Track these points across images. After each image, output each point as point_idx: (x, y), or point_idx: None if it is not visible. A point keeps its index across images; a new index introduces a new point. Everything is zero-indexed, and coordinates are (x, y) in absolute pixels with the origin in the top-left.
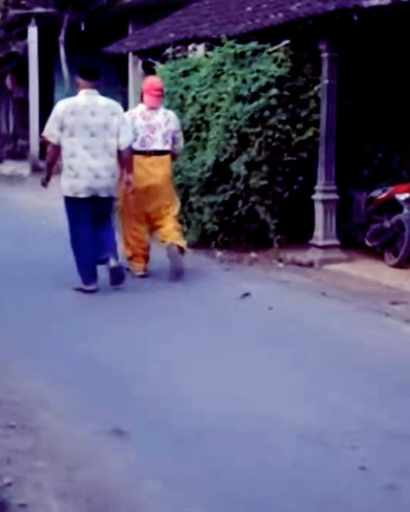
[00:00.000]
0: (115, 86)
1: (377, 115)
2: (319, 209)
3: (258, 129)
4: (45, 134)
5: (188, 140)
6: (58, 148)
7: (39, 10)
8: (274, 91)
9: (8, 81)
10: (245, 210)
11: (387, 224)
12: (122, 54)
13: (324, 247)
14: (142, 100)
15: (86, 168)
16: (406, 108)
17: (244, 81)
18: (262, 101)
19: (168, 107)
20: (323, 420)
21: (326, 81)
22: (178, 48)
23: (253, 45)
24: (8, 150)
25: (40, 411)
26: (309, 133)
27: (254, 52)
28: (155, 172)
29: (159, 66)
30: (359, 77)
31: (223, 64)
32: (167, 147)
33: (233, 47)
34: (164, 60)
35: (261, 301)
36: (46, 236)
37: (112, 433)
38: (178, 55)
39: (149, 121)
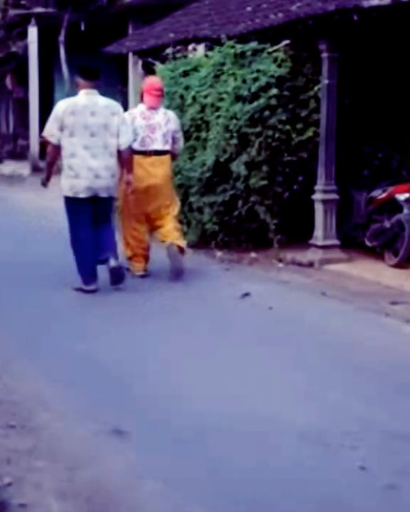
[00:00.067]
0: (115, 86)
1: (377, 115)
2: (319, 209)
3: (258, 129)
4: (45, 134)
5: (188, 140)
6: (58, 148)
7: (39, 10)
8: (274, 91)
9: (8, 81)
10: (245, 210)
11: (387, 224)
12: (122, 54)
13: (324, 247)
14: (141, 100)
15: (86, 168)
16: (406, 108)
17: (244, 81)
18: (262, 101)
19: (168, 107)
20: (323, 420)
21: (326, 81)
22: (178, 48)
23: (253, 45)
24: (8, 150)
25: (40, 411)
26: (310, 133)
27: (254, 52)
28: (155, 172)
29: (159, 66)
30: (359, 77)
31: (223, 64)
32: (167, 147)
33: (233, 47)
34: (164, 60)
35: (261, 301)
36: (46, 236)
37: (112, 433)
38: (178, 55)
39: (149, 121)
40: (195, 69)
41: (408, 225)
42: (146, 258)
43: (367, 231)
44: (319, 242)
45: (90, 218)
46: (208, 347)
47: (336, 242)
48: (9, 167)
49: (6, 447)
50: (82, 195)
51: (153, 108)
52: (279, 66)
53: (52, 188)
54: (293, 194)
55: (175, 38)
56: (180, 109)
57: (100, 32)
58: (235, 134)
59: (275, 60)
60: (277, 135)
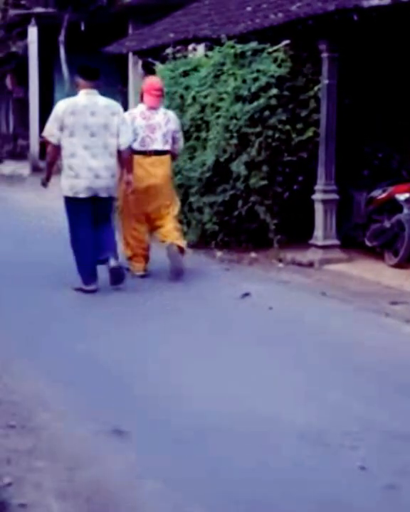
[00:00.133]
0: (115, 86)
1: (377, 115)
2: (319, 209)
3: (258, 129)
4: (45, 134)
5: (188, 140)
6: (58, 148)
7: (39, 10)
8: (274, 91)
9: (8, 81)
10: (245, 210)
11: (387, 224)
12: (122, 54)
13: (324, 247)
14: (142, 100)
15: (86, 168)
16: (406, 108)
17: (244, 81)
18: (262, 101)
19: (168, 107)
20: (323, 420)
21: (326, 81)
22: (178, 48)
23: (253, 45)
24: (8, 150)
25: (40, 411)
26: (310, 133)
27: (254, 52)
28: (155, 172)
29: (159, 66)
30: (359, 77)
31: (223, 64)
32: (167, 147)
33: (233, 47)
34: (164, 60)
35: (261, 301)
36: (46, 236)
37: (112, 433)
38: (178, 55)
39: (149, 121)
40: (195, 69)
41: (408, 225)
42: (146, 258)
43: (367, 231)
44: (319, 242)
45: (90, 218)
46: (208, 347)
47: (336, 242)
48: (9, 167)
49: (6, 447)
50: (82, 195)
51: (153, 108)
52: (279, 66)
53: (52, 188)
54: (293, 194)
55: (175, 38)
56: (180, 109)
57: (100, 32)
58: (235, 134)
59: (275, 60)
60: (277, 135)
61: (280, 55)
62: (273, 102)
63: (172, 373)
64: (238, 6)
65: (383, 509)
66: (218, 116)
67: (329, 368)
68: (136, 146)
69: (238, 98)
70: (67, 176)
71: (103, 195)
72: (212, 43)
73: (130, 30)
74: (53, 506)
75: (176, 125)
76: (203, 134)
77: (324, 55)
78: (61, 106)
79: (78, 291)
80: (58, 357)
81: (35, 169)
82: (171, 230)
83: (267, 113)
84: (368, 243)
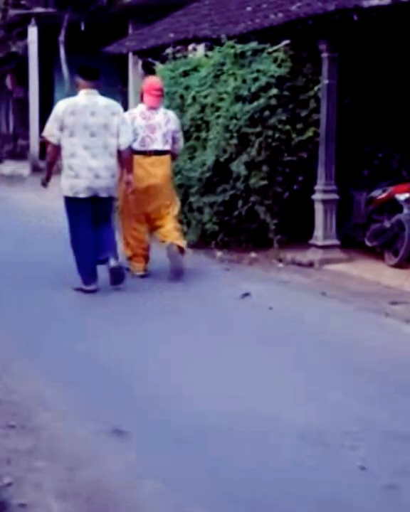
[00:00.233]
0: (115, 86)
1: (377, 115)
2: (319, 209)
3: (258, 129)
4: (45, 133)
5: (188, 140)
6: (57, 148)
7: (39, 10)
8: (274, 91)
9: (8, 81)
10: (245, 210)
11: (387, 224)
12: (122, 54)
13: (324, 247)
14: (141, 100)
15: (86, 168)
16: (406, 108)
17: (244, 81)
18: (262, 101)
19: (168, 107)
20: (323, 420)
21: (326, 81)
22: (178, 48)
23: (253, 45)
24: (8, 150)
25: (40, 411)
26: (310, 133)
27: (254, 52)
28: (155, 172)
29: (159, 66)
30: (359, 77)
31: (223, 64)
32: (167, 147)
33: (233, 47)
34: (164, 60)
35: (261, 301)
36: (46, 236)
37: (112, 433)
38: (178, 55)
39: (149, 121)
40: (195, 69)
41: (408, 225)
42: (147, 258)
43: (367, 231)
44: (319, 242)
45: (90, 218)
46: (208, 347)
47: (336, 242)
48: (9, 167)
49: (6, 447)
50: (82, 195)
51: (153, 108)
52: (279, 66)
53: (52, 188)
54: (293, 194)
55: (175, 38)
56: (180, 109)
57: (100, 32)
58: (235, 134)
59: (275, 60)
60: (277, 135)
61: (280, 55)
62: (273, 102)
63: (172, 373)
64: (238, 6)
65: (383, 509)
66: (218, 116)
67: (329, 368)
68: (136, 146)
69: (238, 98)
70: (67, 175)
71: (103, 195)
72: (212, 43)
73: (130, 30)
74: (53, 506)
75: (176, 125)
76: (203, 134)
77: (324, 55)
78: (61, 106)
79: (78, 291)
80: (58, 357)
81: (35, 169)
82: (171, 230)
83: (267, 113)
84: (368, 243)
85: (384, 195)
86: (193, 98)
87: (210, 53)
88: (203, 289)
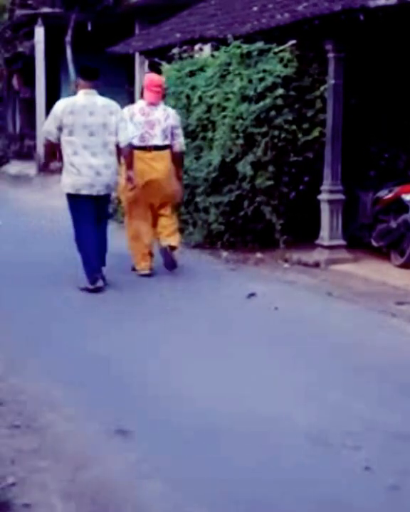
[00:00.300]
0: (122, 86)
1: (383, 115)
2: (325, 209)
3: (264, 129)
4: (43, 132)
5: (194, 140)
6: (55, 145)
7: (46, 10)
8: (280, 91)
9: (15, 81)
10: (251, 210)
11: (393, 224)
12: (129, 54)
13: (330, 248)
14: (142, 96)
15: (87, 166)
16: None
17: (250, 81)
18: (268, 101)
19: (174, 107)
20: (326, 420)
21: (332, 81)
22: (184, 47)
23: (260, 45)
24: (14, 150)
25: (45, 411)
26: (316, 133)
27: (260, 52)
28: (156, 166)
29: (165, 66)
30: (365, 77)
31: (229, 64)
32: (167, 142)
33: (239, 47)
34: (170, 60)
35: (267, 301)
36: (51, 236)
37: (114, 433)
38: (184, 55)
39: (149, 118)
40: (201, 69)
41: None
42: (151, 255)
43: (373, 231)
44: (325, 243)
45: (92, 215)
46: (211, 347)
47: (342, 242)
48: (16, 167)
49: (10, 447)
50: (84, 192)
51: (153, 104)
52: (285, 66)
53: (57, 187)
54: (299, 194)
55: (181, 38)
56: (186, 109)
57: (106, 32)
58: (241, 134)
59: (282, 60)
60: (283, 135)
61: (286, 55)
62: (279, 102)
63: (173, 373)
64: (245, 6)
65: (386, 510)
66: (224, 116)
67: (333, 368)
68: (135, 141)
69: (244, 98)
70: (69, 173)
71: (103, 192)
72: (218, 43)
73: (137, 30)
74: (56, 506)
75: (176, 121)
76: (210, 134)
77: (331, 55)
78: (60, 105)
79: (84, 291)
80: (59, 357)
81: (42, 169)
82: (166, 226)
83: (273, 113)
84: (374, 243)
85: (390, 195)
86: (200, 98)
87: (216, 53)
88: (208, 288)
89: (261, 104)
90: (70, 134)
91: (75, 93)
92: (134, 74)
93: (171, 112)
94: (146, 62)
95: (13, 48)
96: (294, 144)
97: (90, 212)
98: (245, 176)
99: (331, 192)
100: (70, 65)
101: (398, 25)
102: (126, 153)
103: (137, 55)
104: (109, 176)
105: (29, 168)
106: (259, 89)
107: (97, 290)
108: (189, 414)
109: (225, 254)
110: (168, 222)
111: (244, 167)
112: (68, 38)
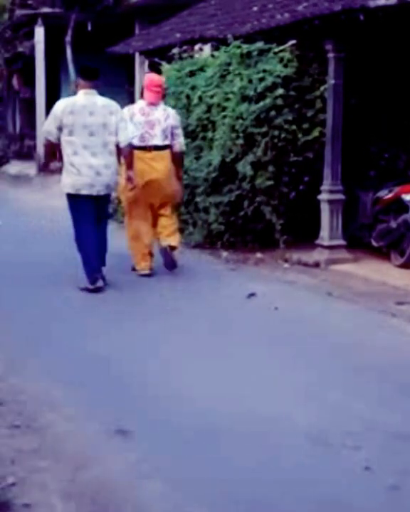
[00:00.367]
0: (122, 86)
1: (383, 115)
2: (325, 209)
3: (264, 129)
4: (43, 132)
5: (194, 140)
6: (55, 145)
7: (46, 10)
8: (280, 91)
9: (14, 81)
10: (251, 210)
11: (393, 224)
12: (129, 54)
13: (330, 248)
14: (142, 96)
15: (87, 166)
16: None
17: (250, 81)
18: (268, 101)
19: (174, 107)
20: (325, 420)
21: (332, 81)
22: (184, 47)
23: (260, 45)
24: (14, 150)
25: (45, 411)
26: (316, 133)
27: (260, 52)
28: (156, 166)
29: (165, 66)
30: (365, 77)
31: (229, 64)
32: (167, 142)
33: (239, 47)
34: (170, 60)
35: (267, 301)
36: (51, 236)
37: (114, 433)
38: (184, 55)
39: (148, 118)
40: (201, 69)
41: None
42: (151, 255)
43: (373, 231)
44: (326, 243)
45: (92, 215)
46: (211, 347)
47: (342, 242)
48: (16, 167)
49: (10, 447)
50: (84, 192)
51: (153, 104)
52: (285, 66)
53: (57, 188)
54: (299, 194)
55: (181, 38)
56: (186, 109)
57: (106, 32)
58: (241, 134)
59: (281, 60)
60: (283, 135)
61: (286, 55)
62: (279, 102)
63: (173, 373)
64: (245, 6)
65: (385, 510)
66: (224, 116)
67: (333, 368)
68: (135, 141)
69: (244, 98)
70: (69, 173)
71: (103, 192)
72: (218, 43)
73: (137, 30)
74: (56, 506)
75: (176, 121)
76: (209, 134)
77: (331, 55)
78: (60, 105)
79: (83, 291)
80: (59, 357)
81: (42, 169)
82: (166, 226)
83: (273, 113)
84: (374, 243)
85: (390, 195)
86: (200, 98)
87: (216, 53)
88: (208, 289)
89: (261, 104)
90: (70, 134)
91: (75, 93)
92: (134, 74)
93: (171, 111)
94: (146, 62)
95: (13, 48)
96: (294, 144)
97: (90, 212)
98: (245, 176)
99: (331, 192)
100: (70, 65)
101: (398, 25)
102: (126, 153)
103: (137, 55)
104: (109, 176)
105: (29, 168)
106: (259, 89)
107: (97, 290)
108: (189, 414)
109: (225, 254)
110: (168, 222)
111: (244, 167)
112: (68, 38)
